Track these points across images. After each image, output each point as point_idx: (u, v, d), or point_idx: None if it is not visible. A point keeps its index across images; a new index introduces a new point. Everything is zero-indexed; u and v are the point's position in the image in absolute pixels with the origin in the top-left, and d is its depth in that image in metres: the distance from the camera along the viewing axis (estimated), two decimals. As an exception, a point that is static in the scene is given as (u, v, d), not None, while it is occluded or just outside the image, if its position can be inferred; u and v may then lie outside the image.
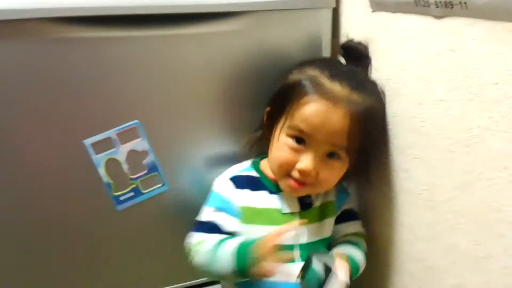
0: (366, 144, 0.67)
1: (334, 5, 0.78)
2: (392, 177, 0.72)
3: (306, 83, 0.66)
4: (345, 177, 0.72)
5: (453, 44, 0.55)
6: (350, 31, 0.78)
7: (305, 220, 0.71)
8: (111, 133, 0.71)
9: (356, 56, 0.72)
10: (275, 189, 0.72)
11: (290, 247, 0.70)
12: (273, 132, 0.70)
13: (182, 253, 0.83)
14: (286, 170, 0.67)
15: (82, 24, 0.66)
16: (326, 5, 0.78)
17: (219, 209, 0.71)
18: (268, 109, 0.73)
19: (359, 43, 0.73)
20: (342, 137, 0.64)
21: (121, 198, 0.75)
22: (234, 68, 0.76)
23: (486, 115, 0.51)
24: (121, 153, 0.73)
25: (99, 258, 0.79)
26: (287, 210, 0.71)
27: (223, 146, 0.81)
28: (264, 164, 0.75)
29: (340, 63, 0.73)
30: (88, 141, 0.71)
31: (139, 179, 0.75)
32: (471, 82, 0.53)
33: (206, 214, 0.72)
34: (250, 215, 0.70)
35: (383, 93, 0.70)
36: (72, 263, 0.77)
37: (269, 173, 0.73)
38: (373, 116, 0.67)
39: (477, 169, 0.54)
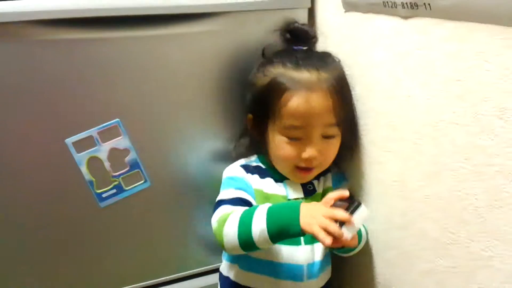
0: (348, 109, 0.73)
1: (309, 6, 0.81)
2: (367, 170, 0.75)
3: (278, 82, 0.68)
4: (338, 152, 0.75)
5: (419, 43, 0.58)
6: (324, 30, 0.81)
7: None
8: (93, 132, 0.72)
9: (303, 37, 0.76)
10: (279, 177, 0.76)
11: None
12: (264, 136, 0.74)
13: (165, 248, 0.85)
14: (292, 163, 0.71)
15: (63, 26, 0.67)
16: (301, 5, 0.80)
17: (239, 188, 0.73)
18: (250, 116, 0.76)
19: (303, 24, 0.77)
20: (330, 115, 0.68)
21: (104, 195, 0.76)
22: (213, 67, 0.78)
23: (450, 110, 0.54)
24: (102, 151, 0.74)
25: (85, 254, 0.79)
26: (292, 196, 0.75)
27: (204, 143, 0.83)
28: (270, 160, 0.77)
29: (292, 50, 0.74)
30: (69, 140, 0.71)
31: (121, 176, 0.76)
32: (435, 79, 0.56)
33: (227, 193, 0.72)
34: (262, 198, 0.74)
35: (338, 58, 0.76)
36: (58, 259, 0.78)
37: (274, 164, 0.76)
38: (343, 81, 0.72)
39: (443, 161, 0.57)
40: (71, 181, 0.74)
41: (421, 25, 0.57)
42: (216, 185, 0.81)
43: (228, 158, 0.83)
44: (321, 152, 0.70)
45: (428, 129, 0.58)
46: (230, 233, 0.64)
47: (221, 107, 0.81)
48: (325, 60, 0.72)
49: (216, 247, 0.85)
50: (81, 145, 0.72)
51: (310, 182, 0.77)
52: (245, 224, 0.63)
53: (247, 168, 0.77)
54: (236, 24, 0.77)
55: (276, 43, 0.77)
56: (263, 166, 0.78)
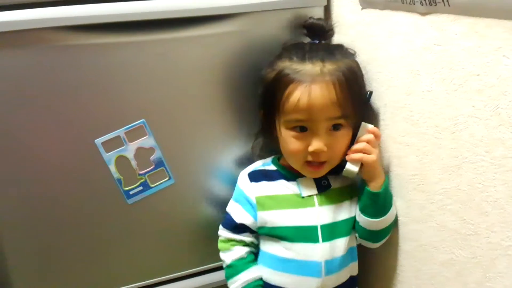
0: (358, 103, 0.71)
1: (325, 3, 0.82)
2: (385, 164, 0.77)
3: (282, 75, 0.69)
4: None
5: (437, 39, 0.59)
6: (341, 28, 0.82)
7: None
8: (120, 132, 0.75)
9: (319, 31, 0.76)
10: (292, 176, 0.77)
11: (313, 228, 0.74)
12: (274, 132, 0.74)
13: (190, 241, 0.88)
14: (301, 158, 0.71)
15: (89, 31, 0.69)
16: (317, 3, 0.81)
17: (236, 201, 0.80)
18: (261, 113, 0.77)
19: (319, 19, 0.77)
20: (335, 108, 0.67)
21: (131, 192, 0.79)
22: (231, 67, 0.80)
23: (469, 104, 0.56)
24: (129, 150, 0.77)
25: (113, 249, 0.83)
26: (305, 193, 0.75)
27: (224, 142, 0.85)
28: (282, 161, 0.80)
29: (303, 43, 0.75)
30: (99, 141, 0.74)
31: (147, 174, 0.79)
32: (455, 74, 0.57)
33: (230, 205, 0.81)
34: (267, 203, 0.75)
35: (354, 51, 0.76)
36: (88, 254, 0.81)
37: (287, 164, 0.77)
38: (352, 75, 0.70)
39: (462, 154, 0.58)
40: (101, 180, 0.77)
41: (440, 21, 0.58)
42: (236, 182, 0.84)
43: (249, 156, 0.86)
44: (330, 145, 0.70)
45: (447, 123, 0.60)
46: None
47: (241, 106, 0.83)
48: (334, 52, 0.72)
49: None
50: (109, 145, 0.75)
51: (325, 177, 0.76)
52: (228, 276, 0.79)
53: (253, 176, 0.79)
54: (253, 25, 0.79)
55: (294, 41, 0.78)
56: (275, 168, 0.79)
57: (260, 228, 0.77)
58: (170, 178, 0.81)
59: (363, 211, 0.75)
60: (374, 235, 0.77)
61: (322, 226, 0.74)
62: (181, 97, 0.78)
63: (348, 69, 0.70)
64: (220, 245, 0.81)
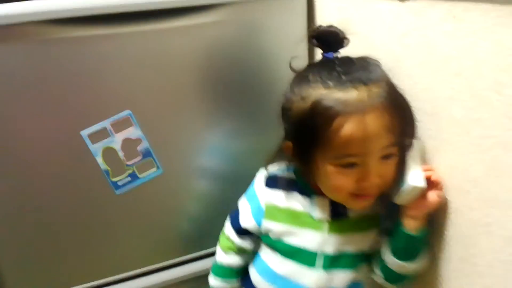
0: (406, 122, 0.63)
1: (308, -9, 0.83)
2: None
3: (322, 108, 0.58)
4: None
5: (416, 24, 0.61)
6: (324, 15, 0.83)
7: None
8: (106, 123, 0.75)
9: (333, 41, 0.65)
10: (308, 191, 0.70)
11: (314, 254, 0.68)
12: (310, 165, 0.64)
13: (178, 230, 0.89)
14: (346, 192, 0.62)
15: (74, 24, 0.70)
16: (300, -8, 0.83)
17: (248, 199, 0.77)
18: (289, 145, 0.67)
19: (330, 27, 0.65)
20: (389, 135, 0.59)
21: (119, 183, 0.79)
22: (217, 57, 0.80)
23: (449, 86, 0.57)
24: (116, 141, 0.77)
25: (101, 240, 0.83)
26: (317, 215, 0.69)
27: (211, 132, 0.86)
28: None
29: (328, 61, 0.64)
30: (85, 132, 0.74)
31: (134, 165, 0.80)
32: (434, 58, 0.59)
33: (242, 199, 0.78)
34: (274, 213, 0.71)
35: (377, 61, 0.65)
36: (76, 245, 0.81)
37: (324, 192, 0.67)
38: (393, 90, 0.62)
39: (442, 135, 0.60)
40: (88, 171, 0.77)
41: (418, 7, 0.59)
42: (224, 171, 0.84)
43: (235, 145, 0.86)
44: (381, 175, 0.61)
45: (427, 105, 0.61)
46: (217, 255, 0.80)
47: (228, 96, 0.84)
48: (369, 68, 0.61)
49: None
50: (96, 137, 0.75)
51: (343, 204, 0.67)
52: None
53: (271, 181, 0.73)
54: (238, 14, 0.80)
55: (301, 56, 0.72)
56: (293, 177, 0.72)
57: (263, 235, 0.74)
58: (158, 168, 0.82)
59: (395, 253, 0.66)
60: (400, 278, 0.69)
61: (325, 256, 0.68)
62: (167, 87, 0.79)
63: (389, 85, 0.61)
64: (221, 238, 0.80)
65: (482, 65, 0.52)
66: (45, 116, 0.72)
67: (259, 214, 0.73)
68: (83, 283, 0.84)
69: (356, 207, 0.66)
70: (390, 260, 0.67)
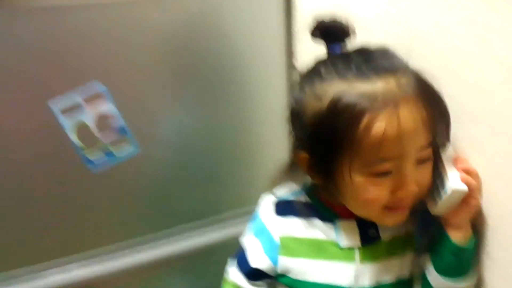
0: (440, 116, 0.54)
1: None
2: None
3: (346, 105, 0.49)
4: None
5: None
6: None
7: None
8: (79, 99, 0.73)
9: (340, 33, 0.56)
10: (330, 216, 0.60)
11: None
12: (333, 178, 0.54)
13: (156, 205, 0.87)
14: (380, 206, 0.53)
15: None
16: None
17: (257, 235, 0.64)
18: (304, 156, 0.56)
19: (333, 20, 0.56)
20: (426, 132, 0.51)
21: (95, 162, 0.77)
22: (194, 29, 0.78)
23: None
24: (90, 118, 0.74)
25: (75, 218, 0.81)
26: (345, 243, 0.58)
27: (188, 108, 0.84)
28: (320, 193, 0.62)
29: (338, 55, 0.56)
30: (56, 107, 0.72)
31: (109, 143, 0.77)
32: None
33: (247, 237, 0.66)
34: (292, 246, 0.60)
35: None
36: (49, 223, 0.79)
37: (325, 198, 0.61)
38: (425, 79, 0.52)
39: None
40: (62, 149, 0.75)
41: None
42: (203, 149, 0.82)
43: (214, 124, 0.84)
44: (418, 182, 0.52)
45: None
46: None
47: (208, 70, 0.82)
48: (390, 56, 0.53)
49: (203, 211, 0.91)
50: (69, 113, 0.73)
51: (372, 224, 0.58)
52: None
53: (281, 207, 0.63)
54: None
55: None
56: (309, 201, 0.62)
57: (280, 276, 0.62)
58: (134, 147, 0.80)
59: (443, 272, 0.56)
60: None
61: None
62: (143, 62, 0.77)
63: (420, 75, 0.52)
64: (223, 286, 0.68)
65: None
66: (13, 90, 0.70)
67: (273, 250, 0.61)
68: (51, 260, 0.82)
69: (390, 223, 0.56)
70: (438, 281, 0.57)
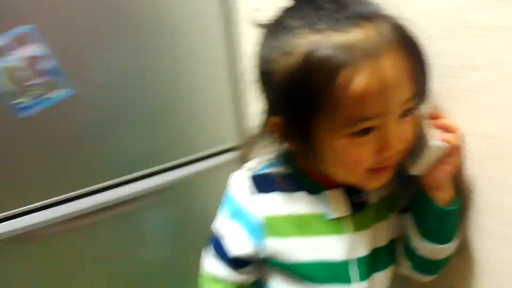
0: (422, 66, 0.48)
1: None
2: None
3: (320, 58, 0.43)
4: None
5: None
6: None
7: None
8: (6, 39, 0.66)
9: None
10: (316, 188, 0.55)
11: (345, 264, 0.55)
12: (310, 142, 0.48)
13: (94, 156, 0.84)
14: (364, 168, 0.49)
15: None
16: None
17: (233, 217, 0.57)
18: (277, 120, 0.50)
19: None
20: (410, 83, 0.46)
21: (23, 105, 0.72)
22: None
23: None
24: (18, 59, 0.68)
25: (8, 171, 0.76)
26: (334, 214, 0.54)
27: (127, 48, 0.79)
28: (299, 161, 0.56)
29: (304, 2, 0.49)
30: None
31: (40, 85, 0.71)
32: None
33: (220, 222, 0.59)
34: (282, 226, 0.54)
35: None
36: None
37: (307, 167, 0.55)
38: (403, 26, 0.47)
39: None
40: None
41: None
42: (146, 88, 0.78)
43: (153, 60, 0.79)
44: (402, 138, 0.48)
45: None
46: None
47: (146, 14, 0.78)
48: (364, 1, 0.47)
49: (148, 153, 0.89)
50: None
51: (359, 190, 0.55)
52: None
53: (262, 183, 0.56)
54: None
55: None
56: (289, 171, 0.56)
57: (268, 260, 0.57)
58: (68, 88, 0.74)
59: (427, 235, 0.54)
60: (435, 266, 0.57)
61: (359, 260, 0.55)
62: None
63: (400, 23, 0.47)
64: (204, 283, 0.62)
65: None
66: None
67: (257, 232, 0.55)
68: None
69: (375, 185, 0.52)
70: (422, 245, 0.55)
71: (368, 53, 0.42)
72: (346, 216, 0.54)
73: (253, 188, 0.55)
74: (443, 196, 0.51)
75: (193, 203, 1.00)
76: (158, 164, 0.93)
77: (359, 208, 0.55)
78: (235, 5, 0.93)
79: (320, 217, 0.54)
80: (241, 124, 1.03)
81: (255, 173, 0.57)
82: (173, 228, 0.99)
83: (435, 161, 0.50)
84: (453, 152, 0.50)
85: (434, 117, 0.51)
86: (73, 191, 0.85)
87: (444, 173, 0.50)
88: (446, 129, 0.50)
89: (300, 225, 0.54)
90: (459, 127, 0.50)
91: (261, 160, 0.58)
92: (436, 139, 0.48)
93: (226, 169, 0.99)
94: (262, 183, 0.56)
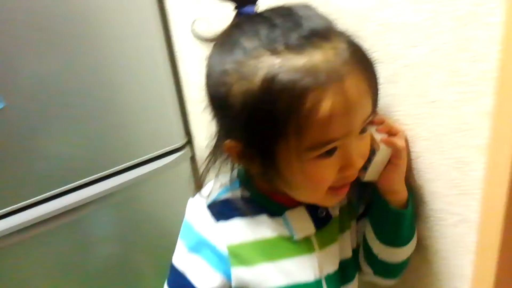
0: (376, 81, 0.48)
1: None
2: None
3: (283, 83, 0.41)
4: None
5: None
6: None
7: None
8: None
9: None
10: (277, 209, 0.53)
11: (318, 284, 0.53)
12: (270, 166, 0.47)
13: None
14: (326, 187, 0.48)
15: None
16: None
17: (193, 251, 0.53)
18: (233, 144, 0.48)
19: None
20: (369, 101, 0.46)
21: None
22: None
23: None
24: None
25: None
26: (300, 234, 0.53)
27: (59, 54, 0.78)
28: (258, 183, 0.54)
29: (253, 18, 0.47)
30: None
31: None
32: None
33: (179, 256, 0.54)
34: (248, 254, 0.52)
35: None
36: None
37: (266, 188, 0.53)
38: (356, 42, 0.47)
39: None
40: None
41: None
42: (84, 94, 0.77)
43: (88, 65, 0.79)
44: (362, 154, 0.48)
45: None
46: None
47: (76, 22, 0.77)
48: (316, 16, 0.46)
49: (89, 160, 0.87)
50: None
51: (319, 206, 0.54)
52: None
53: (221, 210, 0.53)
54: None
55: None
56: (248, 195, 0.54)
57: None
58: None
59: (385, 239, 0.54)
60: (397, 269, 0.57)
61: (330, 277, 0.54)
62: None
63: (351, 38, 0.46)
64: None
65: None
66: None
67: (222, 263, 0.52)
68: None
69: (335, 203, 0.52)
70: (382, 250, 0.55)
71: (331, 76, 0.42)
72: (312, 234, 0.53)
73: (212, 217, 0.52)
74: (397, 198, 0.52)
75: (142, 205, 1.00)
76: (103, 170, 0.93)
77: (323, 223, 0.54)
78: (171, 8, 0.94)
79: (286, 238, 0.53)
80: (185, 124, 1.04)
81: (212, 200, 0.54)
82: (124, 231, 0.99)
83: (383, 165, 0.51)
84: (399, 153, 0.50)
85: (377, 121, 0.52)
86: (16, 204, 0.83)
87: (394, 175, 0.51)
88: (389, 132, 0.51)
89: (267, 250, 0.52)
90: (401, 128, 0.51)
91: (216, 185, 0.55)
92: (381, 143, 0.50)
93: (173, 170, 1.00)
94: (221, 211, 0.53)
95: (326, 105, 0.41)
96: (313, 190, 0.48)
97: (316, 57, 0.41)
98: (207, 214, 0.52)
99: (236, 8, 0.48)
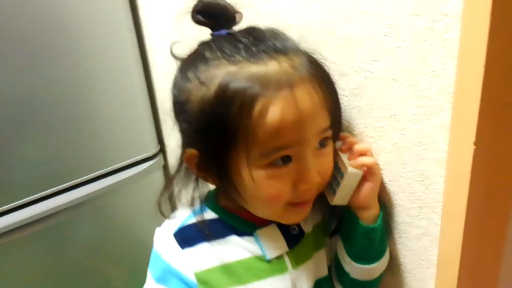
0: (335, 98, 0.50)
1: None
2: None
3: (235, 89, 0.43)
4: None
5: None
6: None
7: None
8: None
9: (223, 15, 0.50)
10: (246, 228, 0.52)
11: None
12: (226, 176, 0.47)
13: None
14: (283, 203, 0.47)
15: None
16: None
17: (161, 280, 0.51)
18: (192, 152, 0.48)
19: (215, 3, 0.49)
20: (324, 112, 0.46)
21: None
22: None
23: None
24: None
25: None
26: (272, 253, 0.51)
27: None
28: (224, 201, 0.53)
29: (223, 36, 0.49)
30: None
31: None
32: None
33: (148, 286, 0.52)
34: (217, 280, 0.50)
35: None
36: None
37: (233, 207, 0.52)
38: (317, 61, 0.49)
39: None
40: None
41: None
42: (55, 103, 0.77)
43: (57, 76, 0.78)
44: (320, 171, 0.47)
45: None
46: None
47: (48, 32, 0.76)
48: (281, 37, 0.48)
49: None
50: None
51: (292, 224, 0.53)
52: None
53: (185, 238, 0.51)
54: None
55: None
56: (216, 217, 0.53)
57: None
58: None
59: (358, 257, 0.53)
60: (371, 285, 0.56)
61: None
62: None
63: (312, 57, 0.48)
64: None
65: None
66: None
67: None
68: None
69: (295, 220, 0.51)
70: (354, 268, 0.53)
71: (281, 85, 0.43)
72: (285, 253, 0.52)
73: (178, 245, 0.51)
74: (368, 213, 0.51)
75: (114, 213, 0.99)
76: (75, 178, 0.92)
77: (297, 240, 0.52)
78: (143, 10, 0.93)
79: (257, 259, 0.51)
80: (158, 132, 1.03)
81: (179, 227, 0.52)
82: (96, 239, 0.98)
83: (352, 188, 0.50)
84: (372, 170, 0.50)
85: (344, 143, 0.51)
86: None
87: (367, 194, 0.50)
88: (358, 153, 0.50)
89: (237, 274, 0.50)
90: (367, 146, 0.51)
91: (183, 213, 0.54)
92: (349, 166, 0.49)
93: (145, 178, 0.99)
94: (187, 236, 0.51)
95: (275, 111, 0.42)
96: (268, 205, 0.48)
97: (270, 67, 0.44)
98: (173, 242, 0.51)
99: (211, 32, 0.50)
